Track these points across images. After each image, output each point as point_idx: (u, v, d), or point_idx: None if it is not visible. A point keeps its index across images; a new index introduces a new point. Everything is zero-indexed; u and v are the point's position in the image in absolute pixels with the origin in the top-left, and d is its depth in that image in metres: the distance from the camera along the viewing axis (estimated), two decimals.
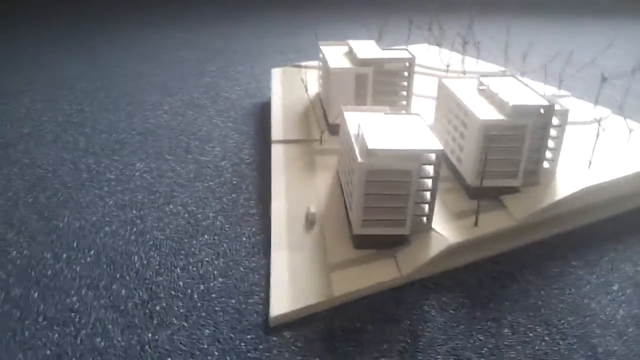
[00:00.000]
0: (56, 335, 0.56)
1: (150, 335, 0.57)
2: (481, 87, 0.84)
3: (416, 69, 1.16)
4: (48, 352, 0.54)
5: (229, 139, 1.04)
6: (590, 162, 0.83)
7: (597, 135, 0.83)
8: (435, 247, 0.69)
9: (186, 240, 0.74)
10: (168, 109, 1.18)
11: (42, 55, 1.52)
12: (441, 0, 2.12)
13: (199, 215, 0.80)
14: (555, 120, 0.78)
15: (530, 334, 0.60)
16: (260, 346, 0.57)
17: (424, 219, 0.72)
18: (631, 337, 0.60)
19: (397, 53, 0.98)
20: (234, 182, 0.89)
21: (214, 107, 1.20)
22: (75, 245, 0.72)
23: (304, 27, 1.89)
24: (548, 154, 0.80)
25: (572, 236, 0.78)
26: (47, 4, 2.17)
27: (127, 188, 0.86)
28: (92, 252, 0.71)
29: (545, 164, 0.81)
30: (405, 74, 0.97)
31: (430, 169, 0.69)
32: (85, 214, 0.79)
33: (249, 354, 0.56)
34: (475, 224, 0.73)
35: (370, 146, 0.67)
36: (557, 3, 2.37)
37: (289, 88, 1.15)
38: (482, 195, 0.78)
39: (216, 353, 0.56)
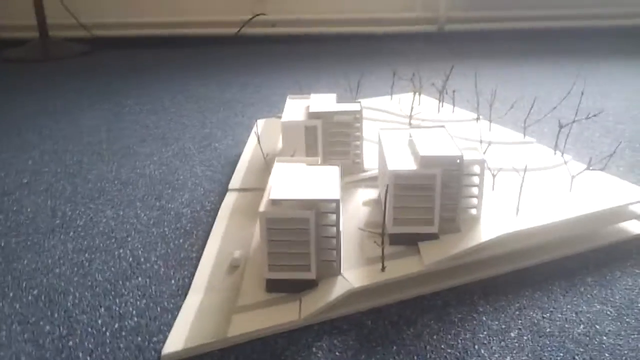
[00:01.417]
0: None
1: None
2: (410, 139, 0.88)
3: (383, 116, 1.22)
4: None
5: (200, 187, 1.12)
6: (517, 209, 0.84)
7: (522, 180, 0.84)
8: (338, 291, 0.73)
9: (120, 282, 0.81)
10: (157, 159, 1.28)
11: (62, 110, 1.68)
12: (422, 52, 2.17)
13: (142, 259, 0.87)
14: (474, 169, 0.81)
15: None
16: None
17: (333, 264, 0.76)
18: None
19: (348, 106, 1.04)
20: (187, 228, 0.96)
21: (200, 156, 1.28)
22: (23, 285, 0.81)
23: (310, 77, 1.97)
24: (470, 202, 0.82)
25: (491, 282, 0.79)
26: (70, 61, 2.37)
27: (89, 234, 0.95)
28: (35, 292, 0.79)
29: (472, 211, 0.83)
30: (356, 125, 1.02)
31: (332, 217, 0.73)
32: (44, 257, 0.88)
33: None
34: (382, 269, 0.76)
35: (272, 196, 0.73)
36: (542, 47, 2.35)
37: (265, 139, 1.22)
38: (401, 241, 0.81)
39: None
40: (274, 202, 0.73)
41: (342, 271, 0.76)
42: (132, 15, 2.73)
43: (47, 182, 1.17)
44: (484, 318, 0.72)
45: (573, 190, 0.91)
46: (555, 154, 1.07)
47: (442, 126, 0.91)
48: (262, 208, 0.72)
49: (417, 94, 1.36)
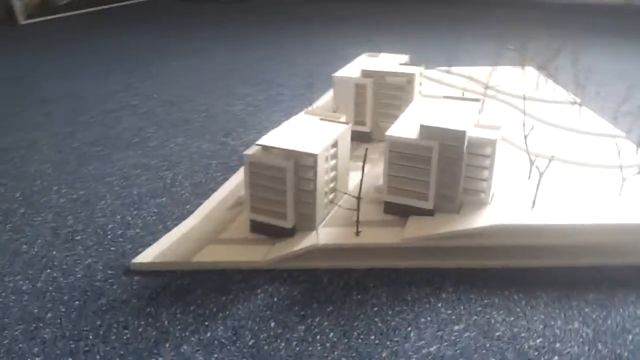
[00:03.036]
0: None
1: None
2: (430, 107, 0.83)
3: (459, 85, 1.15)
4: None
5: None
6: (534, 203, 0.76)
7: (541, 175, 0.76)
8: (305, 244, 0.75)
9: (147, 198, 0.92)
10: (251, 99, 1.36)
11: (211, 47, 1.83)
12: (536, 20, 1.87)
13: (177, 183, 0.96)
14: (484, 150, 0.75)
15: (322, 337, 0.63)
16: (109, 279, 0.72)
17: (310, 217, 0.77)
18: None
19: (405, 68, 1.01)
20: (232, 165, 1.03)
21: (288, 103, 1.34)
22: (76, 185, 0.96)
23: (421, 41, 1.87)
24: (477, 184, 0.77)
25: (471, 273, 0.74)
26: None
27: (152, 154, 1.07)
28: (81, 192, 0.93)
29: (481, 195, 0.78)
30: (408, 88, 0.99)
31: (310, 171, 0.74)
32: (105, 167, 1.02)
33: (96, 284, 0.71)
34: (356, 233, 0.75)
35: (260, 141, 0.76)
36: None
37: None
38: (395, 211, 0.79)
39: (79, 269, 0.72)
40: (263, 148, 0.76)
41: (320, 226, 0.77)
42: None
43: (149, 106, 1.32)
44: (439, 305, 0.69)
45: (623, 196, 0.79)
46: (638, 152, 0.93)
47: (478, 99, 0.84)
48: (247, 151, 0.76)
49: (522, 67, 1.25)
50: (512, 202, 0.77)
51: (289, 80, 1.50)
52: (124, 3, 2.62)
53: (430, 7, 2.47)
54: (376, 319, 0.66)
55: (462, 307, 0.68)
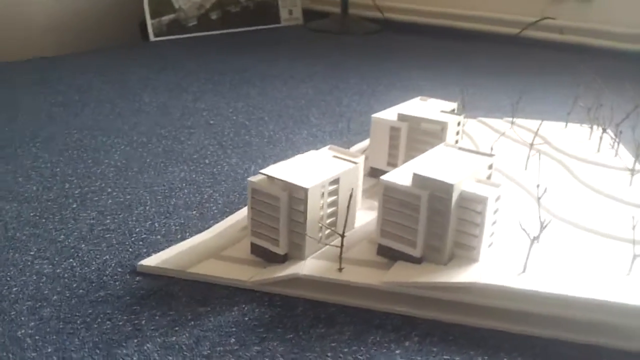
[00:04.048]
0: None
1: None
2: (437, 156, 0.84)
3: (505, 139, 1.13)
4: None
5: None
6: (525, 267, 0.74)
7: (532, 240, 0.73)
8: (288, 272, 0.79)
9: (173, 200, 1.01)
10: (332, 131, 1.43)
11: (330, 73, 1.93)
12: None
13: (211, 192, 1.05)
14: (475, 206, 0.75)
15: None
16: (115, 275, 0.81)
17: (301, 247, 0.81)
18: None
19: (443, 116, 1.02)
20: None
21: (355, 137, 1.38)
22: (114, 156, 1.08)
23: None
24: (468, 239, 0.77)
25: (443, 327, 0.74)
26: (362, 38, 2.59)
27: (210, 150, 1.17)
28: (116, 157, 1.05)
29: (470, 250, 0.77)
30: (443, 136, 1.00)
31: (302, 204, 0.79)
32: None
33: (103, 278, 0.81)
34: (339, 269, 0.78)
35: (264, 170, 0.82)
36: None
37: None
38: (386, 254, 0.81)
39: (95, 263, 0.82)
40: (268, 177, 0.82)
41: (309, 257, 0.81)
42: (422, 3, 2.86)
43: (223, 127, 1.43)
44: (397, 352, 0.69)
45: (633, 274, 0.74)
46: None
47: (492, 155, 0.83)
48: (252, 178, 0.82)
49: (593, 126, 1.19)
50: (505, 262, 0.76)
51: (362, 116, 1.53)
52: (251, 28, 2.82)
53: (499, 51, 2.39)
54: (329, 353, 0.68)
55: (418, 358, 0.68)
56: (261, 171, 0.81)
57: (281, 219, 0.79)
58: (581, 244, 0.81)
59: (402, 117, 1.02)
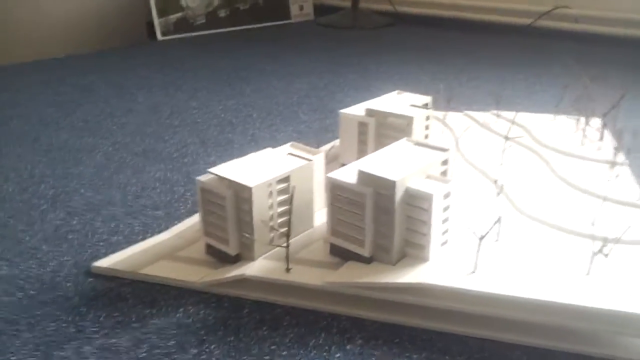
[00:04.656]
0: None
1: None
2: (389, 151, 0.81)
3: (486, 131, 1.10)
4: None
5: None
6: (475, 267, 0.72)
7: (481, 239, 0.70)
8: (237, 272, 0.78)
9: (146, 198, 1.01)
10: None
11: (333, 69, 1.91)
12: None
13: (187, 187, 1.05)
14: (420, 203, 0.73)
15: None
16: (69, 276, 0.81)
17: (250, 247, 0.80)
18: None
19: (410, 110, 0.99)
20: None
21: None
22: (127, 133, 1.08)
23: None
24: (417, 238, 0.74)
25: (387, 328, 0.72)
26: (374, 32, 2.55)
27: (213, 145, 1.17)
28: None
29: (420, 249, 0.75)
30: (409, 131, 0.97)
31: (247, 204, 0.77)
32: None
33: (57, 279, 0.81)
34: (287, 270, 0.77)
35: (212, 169, 0.81)
36: None
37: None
38: (338, 254, 0.79)
39: (52, 264, 0.83)
40: (209, 174, 0.80)
41: (259, 258, 0.79)
42: None
43: (209, 125, 1.43)
44: (337, 355, 0.67)
45: (592, 274, 0.71)
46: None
47: (447, 149, 0.80)
48: (201, 177, 0.81)
49: (580, 118, 1.14)
50: (457, 262, 0.73)
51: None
52: (261, 25, 2.82)
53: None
54: (266, 357, 0.67)
55: None
56: (209, 170, 0.80)
57: (229, 219, 0.78)
58: (544, 242, 0.78)
59: (369, 112, 1.00)
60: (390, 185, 0.71)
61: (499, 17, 2.62)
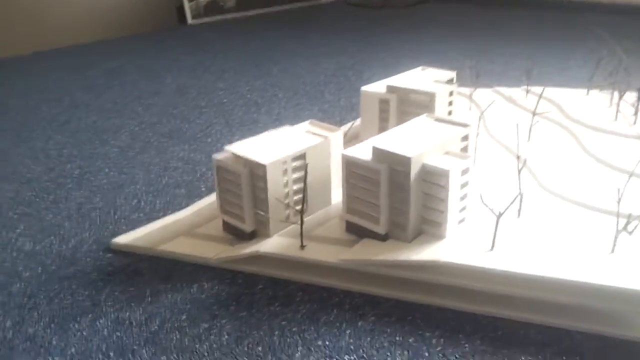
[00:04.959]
0: None
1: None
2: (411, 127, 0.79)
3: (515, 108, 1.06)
4: None
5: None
6: (493, 244, 0.70)
7: (499, 216, 0.68)
8: (252, 249, 0.77)
9: (165, 179, 1.02)
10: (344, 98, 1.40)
11: (366, 47, 1.89)
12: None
13: (206, 168, 1.05)
14: (438, 180, 0.71)
15: (215, 338, 0.66)
16: (89, 252, 0.83)
17: (266, 224, 0.79)
18: None
19: (433, 86, 0.96)
20: None
21: None
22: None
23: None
24: (434, 214, 0.73)
25: (401, 306, 0.70)
26: (406, 10, 2.51)
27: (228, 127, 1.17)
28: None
29: (437, 226, 0.73)
30: (432, 107, 0.95)
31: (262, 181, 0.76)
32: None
33: (77, 255, 0.82)
34: (301, 247, 0.76)
35: (228, 146, 0.80)
36: None
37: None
38: (354, 231, 0.78)
39: (73, 241, 0.84)
40: (225, 151, 0.80)
41: (275, 235, 0.79)
42: None
43: (235, 105, 1.43)
44: (348, 332, 0.67)
45: (616, 252, 0.68)
46: None
47: (467, 125, 0.78)
48: (217, 155, 0.80)
49: (612, 92, 1.10)
50: (475, 239, 0.71)
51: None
52: (293, 6, 2.79)
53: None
54: (276, 332, 0.67)
55: (368, 339, 0.65)
56: (226, 147, 0.80)
57: (244, 196, 0.77)
58: (568, 219, 0.75)
59: (390, 89, 0.98)
60: (406, 161, 0.69)
61: None
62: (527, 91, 1.19)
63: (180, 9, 2.48)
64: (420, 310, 0.69)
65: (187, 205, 0.94)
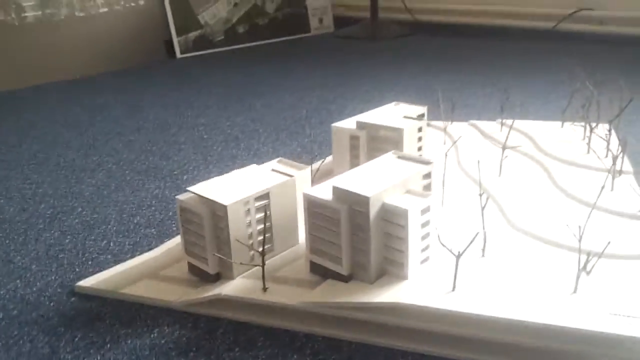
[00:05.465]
0: None
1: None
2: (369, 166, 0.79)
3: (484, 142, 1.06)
4: None
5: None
6: (454, 286, 0.69)
7: (458, 256, 0.67)
8: (213, 291, 0.76)
9: (138, 216, 1.01)
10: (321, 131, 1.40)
11: (350, 81, 1.91)
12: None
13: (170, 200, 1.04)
14: (397, 219, 0.70)
15: None
16: (53, 296, 0.81)
17: (229, 266, 0.78)
18: None
19: (402, 122, 0.96)
20: None
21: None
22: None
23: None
24: (396, 255, 0.72)
25: (367, 347, 0.69)
26: (393, 42, 2.53)
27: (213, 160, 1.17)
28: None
29: (399, 266, 0.72)
30: (402, 144, 0.95)
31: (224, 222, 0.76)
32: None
33: (41, 299, 0.81)
34: (263, 289, 0.75)
35: (191, 187, 0.80)
36: None
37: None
38: (318, 272, 0.77)
39: (39, 284, 0.83)
40: (187, 193, 0.80)
41: (238, 276, 0.78)
42: (453, 2, 2.77)
43: (214, 141, 1.43)
44: None
45: (579, 292, 0.67)
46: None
47: (430, 162, 0.78)
48: (180, 196, 0.80)
49: (586, 125, 1.10)
50: (437, 280, 0.70)
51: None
52: (280, 39, 2.82)
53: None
54: None
55: None
56: (188, 189, 0.79)
57: (207, 238, 0.77)
58: (534, 257, 0.74)
59: (360, 125, 0.98)
60: (364, 201, 0.69)
61: (522, 22, 2.57)
62: (502, 124, 1.19)
63: (169, 43, 2.51)
64: (382, 354, 0.68)
65: (156, 245, 0.93)
